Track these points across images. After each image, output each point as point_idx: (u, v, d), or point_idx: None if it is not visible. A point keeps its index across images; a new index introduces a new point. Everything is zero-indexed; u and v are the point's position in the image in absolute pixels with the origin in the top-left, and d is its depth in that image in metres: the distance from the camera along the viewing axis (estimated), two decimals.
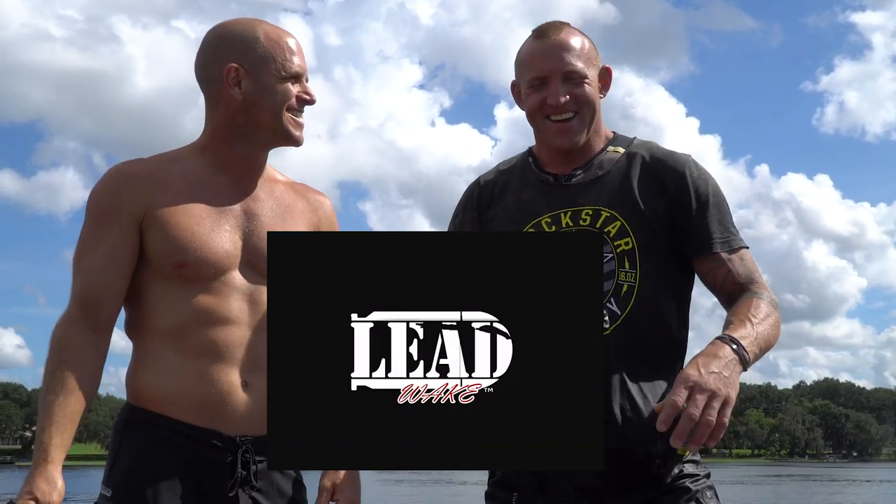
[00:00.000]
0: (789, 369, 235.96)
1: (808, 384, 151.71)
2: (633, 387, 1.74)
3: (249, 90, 1.80)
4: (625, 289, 1.78)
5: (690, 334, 1.92)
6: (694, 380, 1.52)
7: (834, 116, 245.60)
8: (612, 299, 1.78)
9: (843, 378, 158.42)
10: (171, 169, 1.80)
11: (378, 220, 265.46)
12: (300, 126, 1.85)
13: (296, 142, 1.86)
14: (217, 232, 1.77)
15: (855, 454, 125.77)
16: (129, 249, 1.74)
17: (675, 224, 1.83)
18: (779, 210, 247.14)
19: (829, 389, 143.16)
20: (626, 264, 1.79)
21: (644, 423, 1.76)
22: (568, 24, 1.91)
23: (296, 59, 1.83)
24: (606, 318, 1.76)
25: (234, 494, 1.71)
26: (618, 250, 1.79)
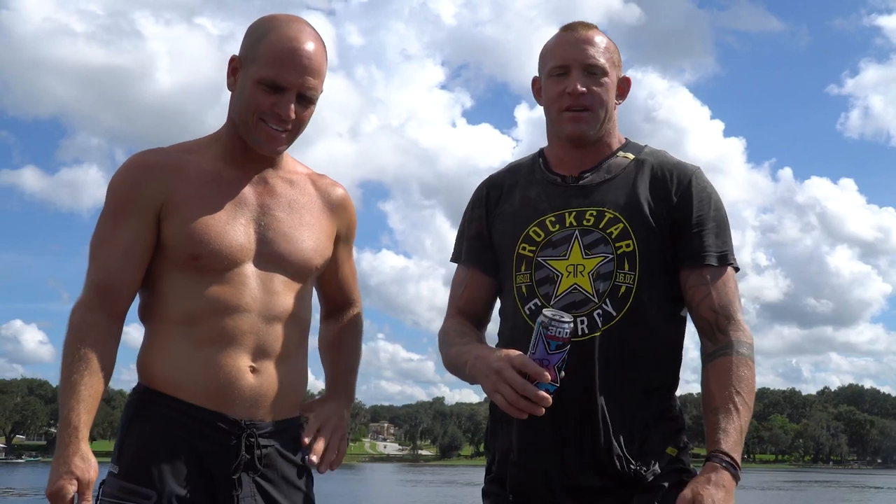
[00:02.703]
0: (812, 374, 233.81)
1: (833, 390, 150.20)
2: (623, 387, 1.75)
3: (238, 84, 1.79)
4: (622, 290, 1.79)
5: (686, 340, 1.91)
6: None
7: (859, 121, 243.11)
8: (607, 300, 1.79)
9: (867, 384, 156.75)
10: (189, 159, 1.81)
11: (399, 220, 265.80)
12: (272, 138, 1.78)
13: (263, 151, 1.81)
14: (232, 225, 1.77)
15: (880, 461, 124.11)
16: (147, 240, 1.76)
17: (674, 233, 1.83)
18: (802, 214, 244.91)
19: (853, 395, 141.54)
20: (626, 266, 1.80)
21: (633, 423, 1.77)
22: (596, 27, 1.93)
23: (286, 73, 1.73)
24: (599, 320, 1.77)
25: (237, 477, 1.72)
26: (618, 252, 1.80)
